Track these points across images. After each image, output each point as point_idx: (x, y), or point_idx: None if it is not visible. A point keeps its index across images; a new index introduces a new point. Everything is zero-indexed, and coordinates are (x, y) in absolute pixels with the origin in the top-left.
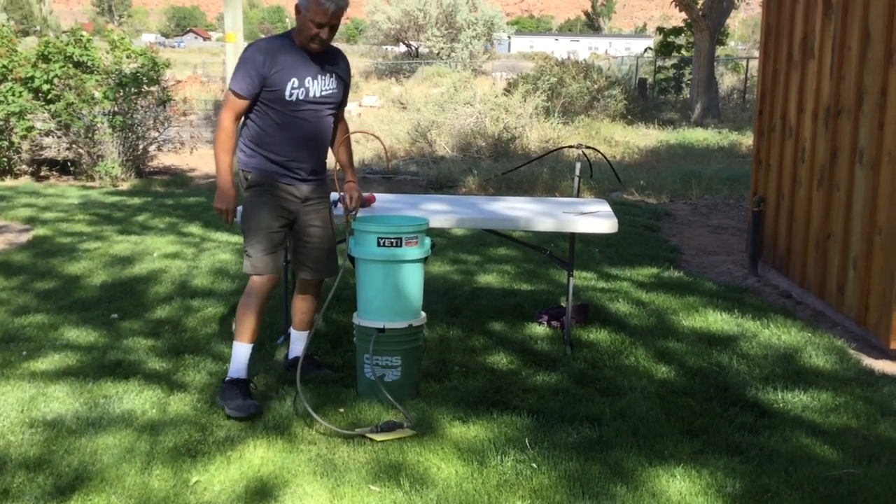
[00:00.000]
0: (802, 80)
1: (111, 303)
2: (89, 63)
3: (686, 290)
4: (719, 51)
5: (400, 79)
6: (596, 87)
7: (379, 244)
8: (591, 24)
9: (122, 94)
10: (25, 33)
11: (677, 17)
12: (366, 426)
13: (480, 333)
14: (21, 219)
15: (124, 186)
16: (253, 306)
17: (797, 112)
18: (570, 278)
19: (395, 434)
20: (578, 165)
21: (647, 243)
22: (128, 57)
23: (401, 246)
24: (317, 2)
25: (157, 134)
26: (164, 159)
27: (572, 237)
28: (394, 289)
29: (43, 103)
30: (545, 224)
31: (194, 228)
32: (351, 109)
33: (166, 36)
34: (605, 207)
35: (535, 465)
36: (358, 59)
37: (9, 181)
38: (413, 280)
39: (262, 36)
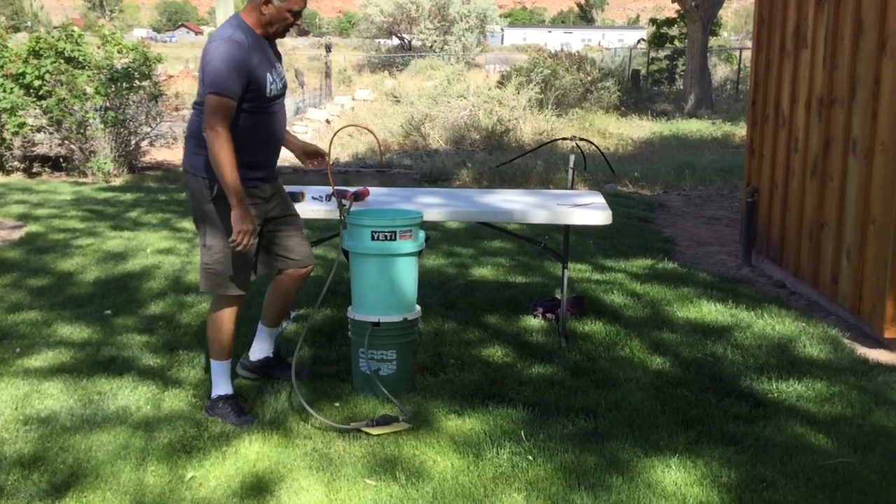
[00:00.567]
0: (795, 71)
1: (104, 299)
2: (80, 58)
3: (680, 281)
4: (712, 41)
5: (393, 72)
6: (589, 78)
7: (373, 238)
8: (583, 16)
9: (113, 89)
10: (16, 29)
11: (670, 9)
12: (361, 420)
13: (475, 326)
14: (13, 215)
15: (117, 182)
16: (230, 326)
17: (790, 102)
18: (565, 270)
19: (390, 428)
20: (572, 157)
21: (642, 235)
22: (119, 52)
23: (395, 239)
24: None
25: (149, 129)
26: (157, 154)
27: (567, 229)
28: (388, 283)
29: (34, 99)
30: (539, 216)
31: (187, 224)
32: (344, 103)
33: (158, 31)
34: (600, 199)
35: (530, 458)
36: (351, 53)
37: (1, 178)
38: (407, 274)
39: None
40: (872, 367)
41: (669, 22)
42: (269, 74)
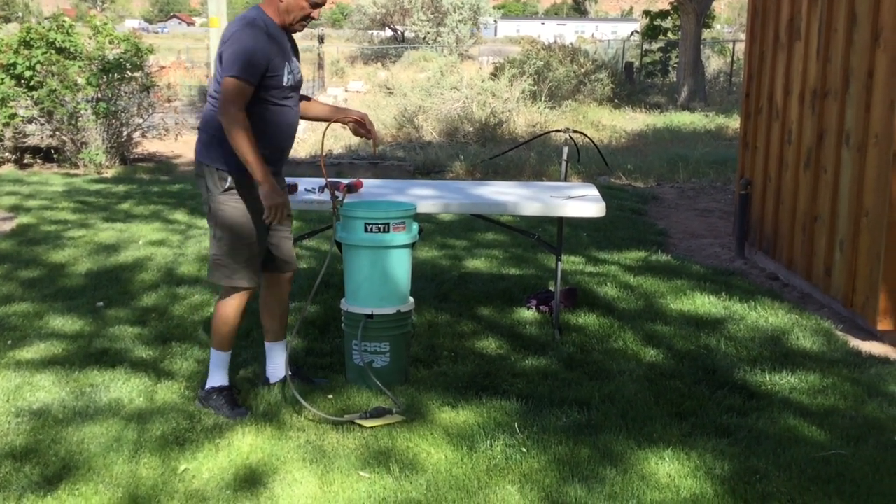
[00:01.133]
0: (789, 63)
1: (97, 291)
2: (72, 49)
3: (673, 274)
4: (705, 34)
5: (386, 63)
6: (583, 70)
7: (366, 230)
8: (577, 8)
9: (105, 80)
10: (7, 19)
11: (663, 1)
12: (355, 412)
13: (469, 319)
14: (5, 207)
15: (109, 173)
16: (237, 318)
17: (784, 94)
18: (559, 262)
19: (384, 420)
20: (566, 150)
21: (635, 227)
22: (111, 43)
23: (388, 231)
24: None
25: (141, 120)
26: (149, 146)
27: (560, 221)
28: (382, 275)
29: (25, 90)
30: (533, 208)
31: (180, 215)
32: (337, 95)
33: (150, 21)
34: (593, 191)
35: (524, 450)
36: (343, 44)
37: None
38: (401, 266)
39: None
40: (865, 359)
41: (663, 14)
42: (287, 63)
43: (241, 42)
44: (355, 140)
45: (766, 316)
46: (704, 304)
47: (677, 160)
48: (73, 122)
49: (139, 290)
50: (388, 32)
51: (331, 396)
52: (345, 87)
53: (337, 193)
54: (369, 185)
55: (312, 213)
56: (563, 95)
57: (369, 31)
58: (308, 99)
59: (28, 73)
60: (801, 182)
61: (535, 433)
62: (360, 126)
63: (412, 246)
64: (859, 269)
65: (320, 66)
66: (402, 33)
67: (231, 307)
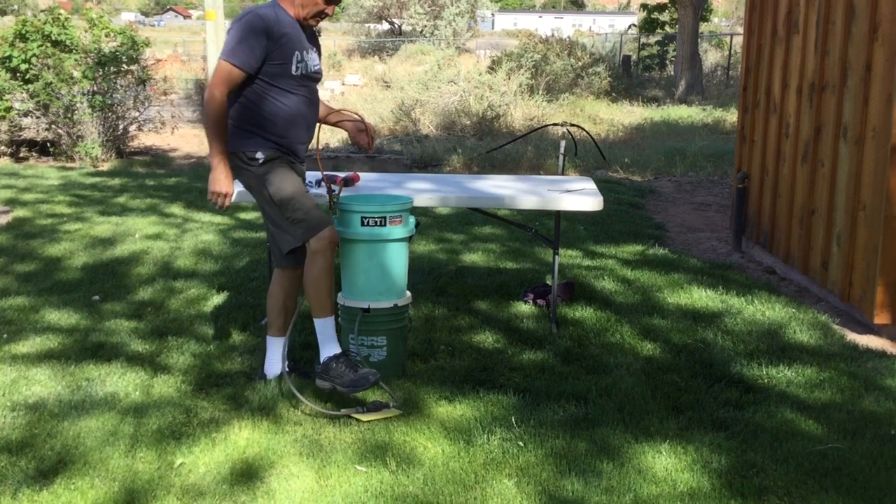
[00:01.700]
0: (787, 56)
1: (93, 284)
2: (68, 42)
3: (671, 268)
4: (703, 27)
5: (383, 57)
6: (580, 64)
7: (363, 223)
8: (574, 1)
9: (101, 73)
10: (2, 12)
11: None
12: (352, 407)
13: (466, 312)
14: (0, 201)
15: (105, 167)
16: (329, 276)
17: (781, 88)
18: (556, 256)
19: (381, 414)
20: (563, 143)
21: (632, 221)
22: (106, 36)
23: (385, 225)
24: None
25: (137, 114)
26: (145, 139)
27: (557, 215)
28: (379, 268)
29: (21, 83)
30: (530, 202)
31: (176, 209)
32: (334, 88)
33: (146, 14)
34: (590, 185)
35: (521, 444)
36: (340, 38)
37: None
38: (398, 259)
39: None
40: (862, 353)
41: (660, 7)
42: (298, 53)
43: (239, 30)
44: None
45: (763, 310)
46: (701, 297)
47: (674, 154)
48: (69, 115)
49: (135, 284)
50: (385, 25)
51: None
52: (342, 80)
53: (333, 187)
54: (366, 178)
55: None
56: (561, 89)
57: (366, 25)
58: None
59: (24, 67)
60: (798, 176)
61: (532, 427)
62: (360, 133)
63: (409, 240)
64: (856, 262)
65: None
66: (400, 26)
67: (319, 267)
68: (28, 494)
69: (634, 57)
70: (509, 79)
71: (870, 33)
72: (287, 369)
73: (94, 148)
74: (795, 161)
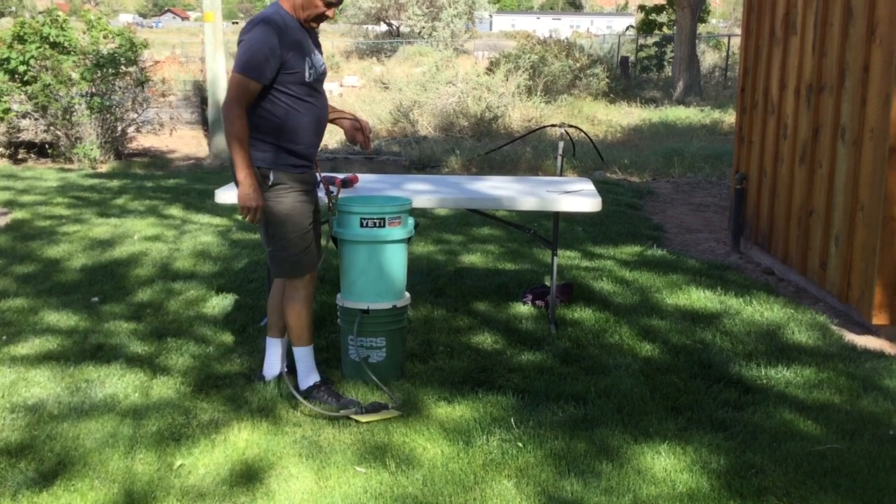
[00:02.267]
0: (785, 57)
1: (92, 286)
2: (66, 44)
3: (669, 268)
4: (701, 28)
5: (381, 58)
6: (578, 65)
7: (362, 225)
8: (572, 3)
9: (99, 75)
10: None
11: None
12: (350, 408)
13: (465, 313)
14: None
15: (103, 169)
16: (309, 307)
17: (779, 89)
18: (555, 257)
19: (380, 415)
20: (561, 144)
21: (631, 222)
22: (105, 37)
23: (384, 226)
24: None
25: (135, 115)
26: (144, 141)
27: (556, 216)
28: (378, 269)
29: (19, 85)
30: (529, 203)
31: (175, 210)
32: (332, 90)
33: (144, 16)
34: (589, 186)
35: (520, 444)
36: (338, 39)
37: None
38: (397, 260)
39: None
40: (860, 354)
41: (658, 8)
42: (308, 58)
43: (251, 41)
44: None
45: (762, 310)
46: (700, 298)
47: (673, 155)
48: (68, 116)
49: (134, 286)
50: (383, 27)
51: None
52: (340, 81)
53: (332, 188)
54: (365, 179)
55: None
56: (559, 90)
57: (364, 26)
58: None
59: (22, 68)
60: (796, 177)
61: (531, 428)
62: (356, 131)
63: (408, 241)
64: (854, 263)
65: None
66: (398, 28)
67: (300, 300)
68: (28, 496)
69: (632, 58)
70: (507, 80)
71: (867, 35)
72: (286, 370)
73: (92, 149)
74: (793, 162)
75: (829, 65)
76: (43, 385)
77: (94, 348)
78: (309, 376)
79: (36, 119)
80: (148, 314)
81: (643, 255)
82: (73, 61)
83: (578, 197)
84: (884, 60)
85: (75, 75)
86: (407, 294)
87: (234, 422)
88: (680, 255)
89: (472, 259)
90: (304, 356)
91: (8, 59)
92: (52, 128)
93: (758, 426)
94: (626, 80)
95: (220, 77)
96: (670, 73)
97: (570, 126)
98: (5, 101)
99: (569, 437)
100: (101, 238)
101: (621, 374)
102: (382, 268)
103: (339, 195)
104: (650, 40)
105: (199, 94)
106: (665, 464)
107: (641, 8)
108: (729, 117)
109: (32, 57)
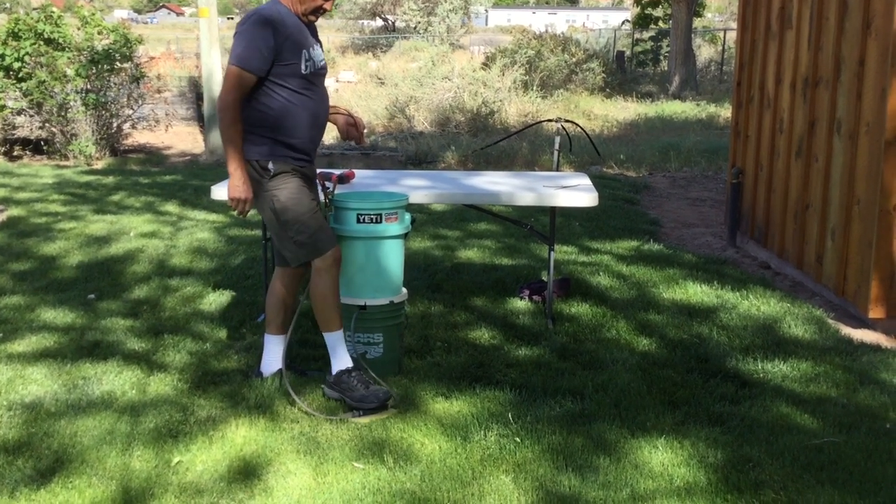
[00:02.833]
0: (780, 51)
1: (88, 283)
2: (60, 40)
3: (666, 263)
4: (696, 22)
5: (377, 53)
6: (574, 60)
7: (359, 220)
8: None
9: (94, 71)
10: None
11: None
12: (348, 412)
13: (462, 309)
14: None
15: (99, 165)
16: (335, 291)
17: (775, 83)
18: (551, 252)
19: (378, 414)
20: (558, 139)
21: (627, 216)
22: (99, 33)
23: (381, 222)
24: None
25: (131, 111)
26: (139, 137)
27: (553, 211)
28: (375, 265)
29: (14, 81)
30: (525, 198)
31: (171, 207)
32: (328, 85)
33: (139, 12)
34: (586, 181)
35: (518, 439)
36: (334, 34)
37: None
38: (394, 256)
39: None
40: (857, 347)
41: (654, 3)
42: (305, 51)
43: (246, 33)
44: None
45: (758, 304)
46: (697, 292)
47: (669, 149)
48: (63, 113)
49: (131, 282)
50: (379, 22)
51: (324, 386)
52: (336, 77)
53: (328, 184)
54: (361, 175)
55: None
56: (555, 85)
57: (360, 21)
58: None
59: (17, 65)
60: (792, 171)
61: (528, 423)
62: (350, 127)
63: (405, 236)
64: (851, 257)
65: None
66: (393, 23)
67: (325, 283)
68: (26, 494)
69: (628, 52)
70: (503, 75)
71: (863, 28)
72: (284, 367)
73: (87, 146)
74: (789, 156)
75: (825, 58)
76: (40, 382)
77: (90, 345)
78: (340, 361)
79: (31, 116)
80: (144, 311)
81: (640, 249)
82: (68, 58)
83: (575, 192)
84: (879, 54)
85: (70, 72)
86: (404, 290)
87: (231, 418)
88: (676, 250)
89: (469, 254)
90: (334, 341)
91: (2, 56)
92: (47, 124)
93: (755, 420)
94: (622, 74)
95: (215, 73)
96: (666, 68)
97: (567, 121)
98: (0, 98)
99: (566, 431)
100: (97, 235)
101: (618, 369)
102: (379, 264)
103: (336, 191)
104: (646, 35)
105: (195, 90)
106: (662, 458)
107: (637, 2)
108: (725, 112)
109: (27, 53)
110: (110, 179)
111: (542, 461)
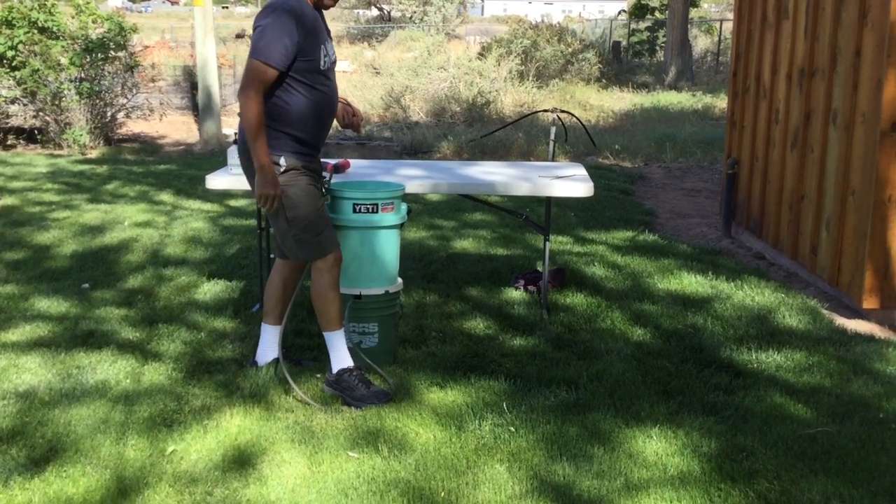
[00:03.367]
0: (776, 42)
1: (82, 272)
2: (54, 28)
3: (661, 253)
4: (693, 13)
5: (372, 43)
6: (570, 50)
7: (355, 210)
8: None
9: (88, 60)
10: None
11: None
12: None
13: (457, 299)
14: None
15: (93, 154)
16: (336, 291)
17: (771, 73)
18: (547, 242)
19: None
20: (553, 130)
21: (623, 207)
22: (94, 22)
23: (377, 212)
24: None
25: (125, 101)
26: (134, 126)
27: (548, 201)
28: (370, 255)
29: (7, 70)
30: (521, 188)
31: (165, 196)
32: None
33: (133, 0)
34: (581, 171)
35: (512, 429)
36: (330, 24)
37: None
38: (389, 246)
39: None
40: (851, 338)
41: None
42: (323, 46)
43: (268, 27)
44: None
45: (753, 295)
46: (691, 283)
47: (664, 140)
48: (57, 102)
49: (125, 272)
50: (374, 12)
51: (319, 376)
52: None
53: (324, 174)
54: (357, 165)
55: None
56: (551, 75)
57: (355, 11)
58: None
59: (10, 53)
60: (787, 161)
61: (523, 412)
62: (351, 116)
63: (400, 226)
64: (845, 247)
65: None
66: (389, 12)
67: (326, 282)
68: (19, 482)
69: (624, 43)
70: (499, 65)
71: (859, 19)
72: (280, 357)
73: (81, 135)
74: (785, 147)
75: (821, 49)
76: (34, 371)
77: (85, 335)
78: (340, 360)
79: (25, 105)
80: (139, 300)
81: (635, 240)
82: (62, 46)
83: (571, 182)
84: (875, 44)
85: (64, 60)
86: (399, 279)
87: (226, 407)
88: (671, 240)
89: (465, 244)
90: (335, 340)
91: None
92: (41, 113)
93: (749, 410)
94: (617, 64)
95: (209, 62)
96: (662, 58)
97: (563, 111)
98: None
99: (561, 421)
100: (91, 224)
101: (613, 359)
102: (375, 253)
103: (332, 180)
104: (642, 25)
105: (189, 80)
106: (656, 447)
107: None
108: (721, 102)
109: (21, 42)
110: (104, 169)
111: (536, 450)
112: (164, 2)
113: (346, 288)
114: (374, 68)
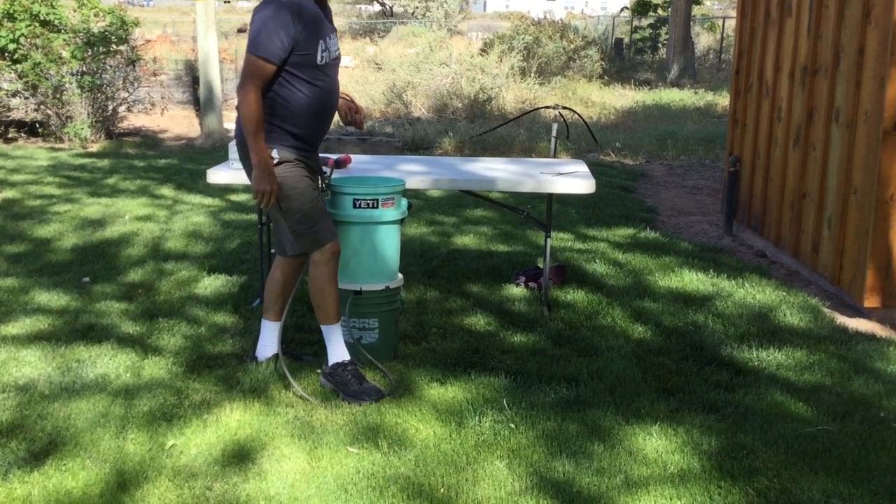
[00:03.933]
0: (780, 39)
1: (83, 266)
2: (56, 22)
3: (662, 251)
4: (695, 10)
5: (374, 38)
6: (572, 46)
7: (355, 205)
8: None
9: (90, 53)
10: None
11: None
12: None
13: (458, 295)
14: None
15: (94, 148)
16: (334, 284)
17: (774, 71)
18: (548, 239)
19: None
20: (555, 126)
21: (624, 204)
22: (95, 15)
23: (377, 207)
24: None
25: (126, 94)
26: (135, 120)
27: (550, 198)
28: (370, 250)
29: (9, 63)
30: (522, 185)
31: (166, 190)
32: None
33: None
34: (583, 168)
35: (513, 425)
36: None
37: None
38: (390, 242)
39: None
40: (852, 336)
41: None
42: (322, 41)
43: (264, 21)
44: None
45: (754, 293)
46: (692, 280)
47: (666, 137)
48: (58, 95)
49: (126, 266)
50: (377, 7)
51: (318, 371)
52: None
53: (325, 169)
54: (358, 160)
55: None
56: (553, 72)
57: (357, 6)
58: None
59: (12, 47)
60: (790, 159)
61: (523, 409)
62: (353, 112)
63: (401, 222)
64: (847, 246)
65: None
66: (391, 8)
67: (323, 276)
68: (19, 476)
69: (627, 40)
70: (501, 61)
71: (863, 17)
72: (280, 352)
73: (83, 129)
74: (787, 145)
75: (824, 47)
76: (34, 365)
77: (85, 328)
78: (336, 354)
79: (26, 98)
80: (139, 294)
81: (636, 237)
82: (64, 39)
83: (572, 179)
84: (879, 43)
85: (66, 54)
86: (400, 275)
87: (226, 402)
88: (673, 238)
89: (466, 240)
90: (331, 333)
91: None
92: (42, 107)
93: (749, 408)
94: (620, 61)
95: (211, 56)
96: (664, 55)
97: (564, 108)
98: None
99: (561, 418)
100: (92, 218)
101: (613, 356)
102: (375, 249)
103: (333, 176)
104: (645, 22)
105: (191, 74)
106: (656, 445)
107: None
108: (723, 100)
109: (22, 35)
110: (105, 162)
111: (536, 447)
112: None
113: (347, 283)
114: (376, 64)
